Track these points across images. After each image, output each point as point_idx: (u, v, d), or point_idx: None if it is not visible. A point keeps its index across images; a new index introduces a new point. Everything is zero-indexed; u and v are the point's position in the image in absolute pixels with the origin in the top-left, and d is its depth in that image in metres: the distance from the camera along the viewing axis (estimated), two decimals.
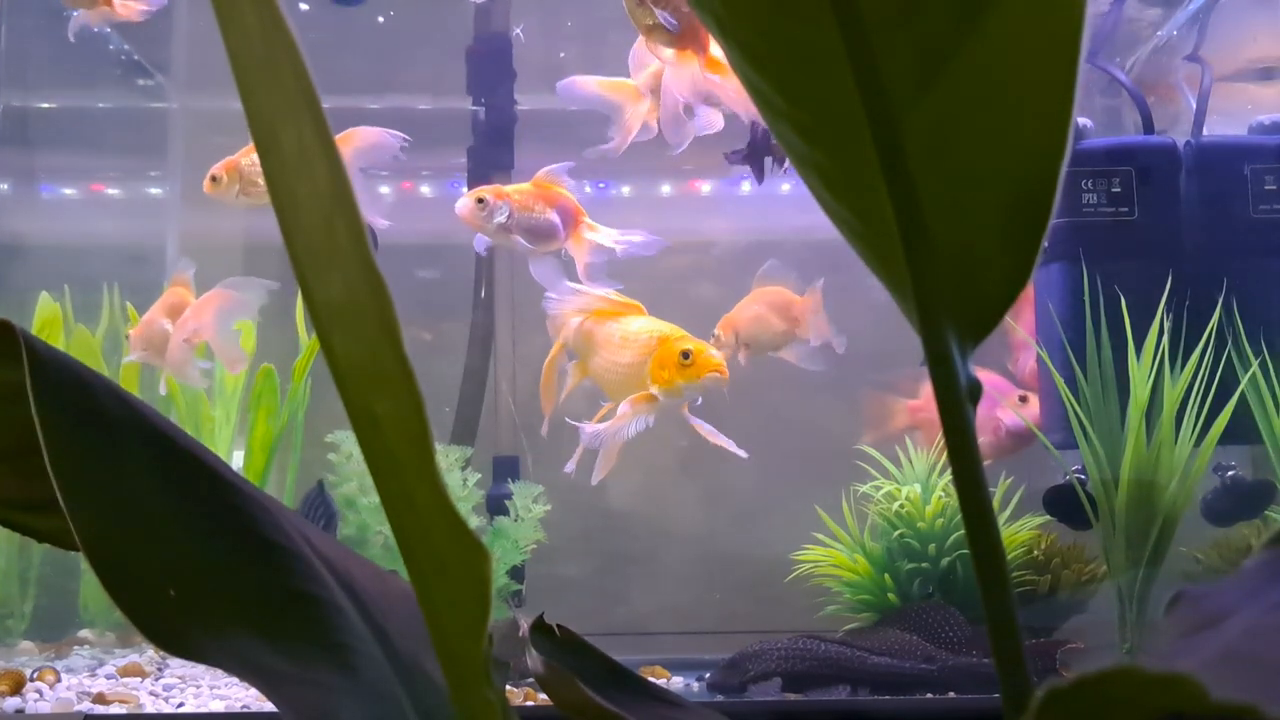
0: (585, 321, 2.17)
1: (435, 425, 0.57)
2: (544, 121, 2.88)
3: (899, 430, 2.59)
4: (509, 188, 2.24)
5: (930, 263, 0.62)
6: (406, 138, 2.15)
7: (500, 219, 2.17)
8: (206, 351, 2.51)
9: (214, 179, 2.26)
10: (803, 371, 2.36)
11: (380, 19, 2.81)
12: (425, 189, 3.09)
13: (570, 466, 2.13)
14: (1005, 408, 2.47)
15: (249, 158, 2.27)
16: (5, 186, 3.00)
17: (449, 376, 2.78)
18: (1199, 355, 2.12)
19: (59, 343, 2.49)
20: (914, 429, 2.57)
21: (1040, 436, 2.31)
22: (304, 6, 2.79)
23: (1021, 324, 2.46)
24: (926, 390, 2.59)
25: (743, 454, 2.07)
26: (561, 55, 2.97)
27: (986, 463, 0.61)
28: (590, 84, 2.21)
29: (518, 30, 2.72)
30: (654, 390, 2.03)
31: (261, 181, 2.25)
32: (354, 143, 2.13)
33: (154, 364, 2.41)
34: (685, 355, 2.02)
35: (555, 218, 2.19)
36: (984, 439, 2.52)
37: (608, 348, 2.12)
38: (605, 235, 2.24)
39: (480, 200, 2.18)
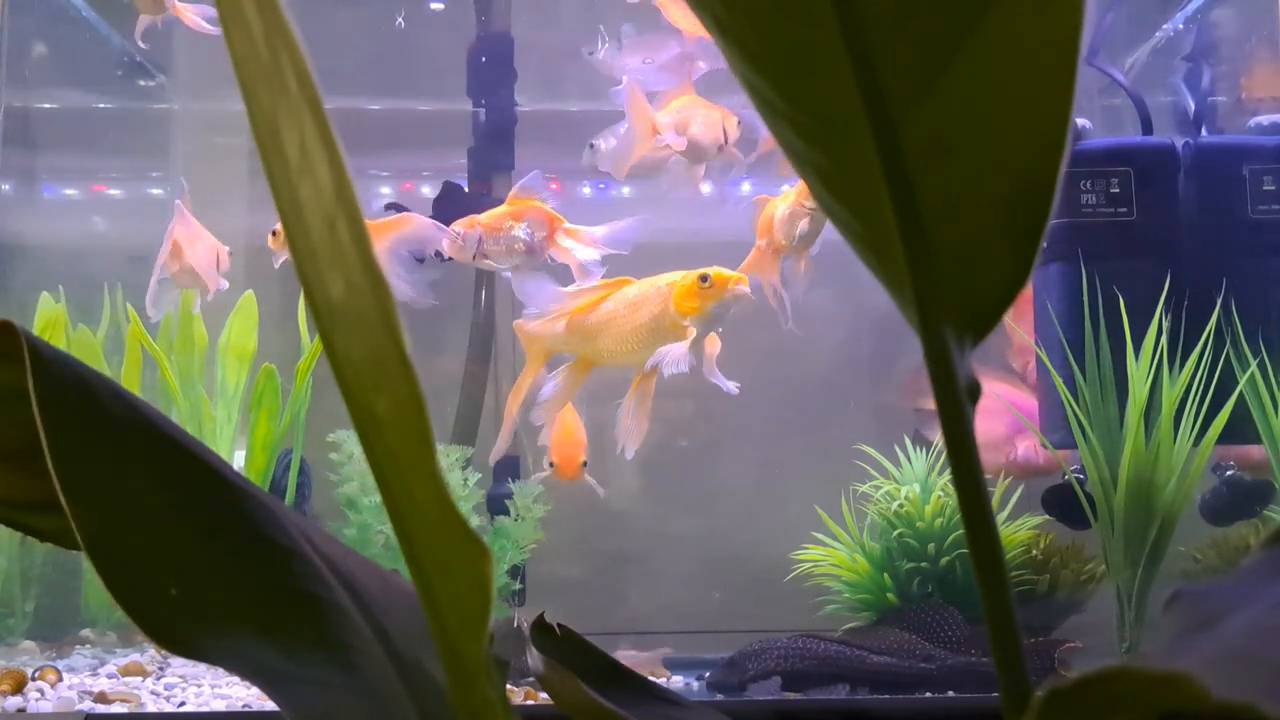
0: (572, 320, 2.17)
1: (436, 425, 0.57)
2: (544, 122, 2.88)
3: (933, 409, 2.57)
4: (484, 214, 2.25)
5: (929, 262, 0.62)
6: (453, 237, 2.19)
7: (472, 248, 2.19)
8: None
9: (274, 234, 2.30)
10: (802, 371, 2.36)
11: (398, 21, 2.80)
12: (426, 189, 3.09)
13: (630, 452, 2.14)
14: (1029, 436, 2.44)
15: None
16: (7, 187, 3.00)
17: (449, 377, 2.78)
18: (1197, 355, 2.13)
19: (60, 343, 2.49)
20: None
21: (1067, 471, 2.27)
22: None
23: (1020, 327, 2.45)
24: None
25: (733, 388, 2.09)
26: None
27: (986, 475, 0.61)
28: (639, 105, 2.23)
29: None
30: (687, 323, 2.07)
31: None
32: (404, 227, 2.18)
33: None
34: (704, 279, 2.07)
35: (524, 233, 2.19)
36: (992, 457, 2.51)
37: (615, 321, 2.13)
38: (584, 236, 2.24)
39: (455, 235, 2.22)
